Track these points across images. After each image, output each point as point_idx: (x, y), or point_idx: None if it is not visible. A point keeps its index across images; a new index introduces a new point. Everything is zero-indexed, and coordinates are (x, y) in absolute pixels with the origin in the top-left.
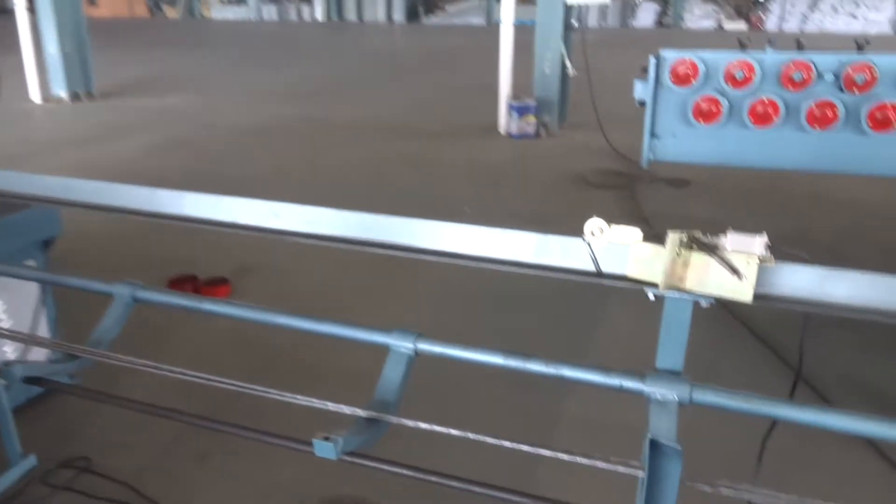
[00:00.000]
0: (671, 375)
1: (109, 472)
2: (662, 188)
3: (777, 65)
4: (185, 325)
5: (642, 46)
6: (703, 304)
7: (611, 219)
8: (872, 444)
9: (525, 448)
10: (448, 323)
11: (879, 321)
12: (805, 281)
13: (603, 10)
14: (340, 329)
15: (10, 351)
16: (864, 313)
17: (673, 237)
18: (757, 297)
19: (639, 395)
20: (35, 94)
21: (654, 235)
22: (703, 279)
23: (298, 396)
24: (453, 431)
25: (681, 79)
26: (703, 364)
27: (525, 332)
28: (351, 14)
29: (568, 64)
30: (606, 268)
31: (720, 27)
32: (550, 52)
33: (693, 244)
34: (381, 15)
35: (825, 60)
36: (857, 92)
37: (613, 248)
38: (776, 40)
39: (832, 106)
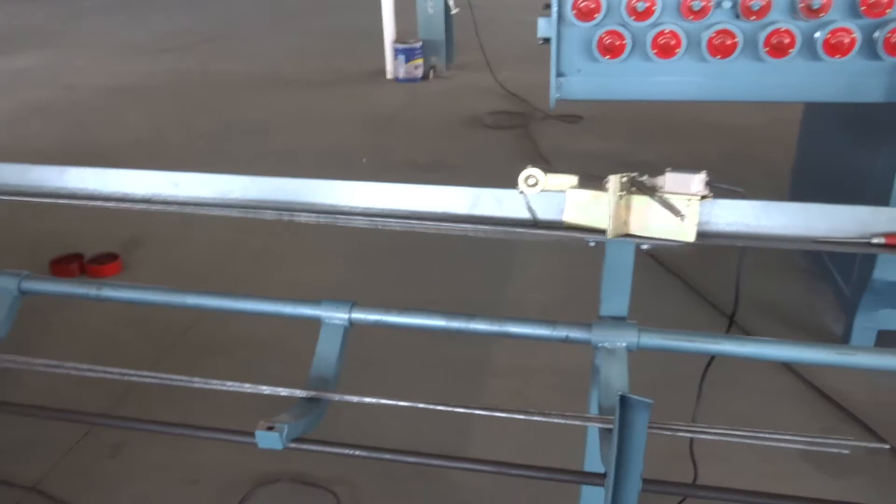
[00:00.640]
0: (617, 322)
1: (11, 479)
2: (556, 125)
3: None
4: (78, 307)
5: None
6: (645, 247)
7: (509, 159)
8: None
9: (500, 415)
10: (363, 281)
11: (816, 249)
12: (742, 215)
13: None
14: (265, 305)
15: None
16: (800, 242)
17: (614, 180)
18: (699, 235)
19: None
20: None
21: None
22: (645, 222)
23: (228, 383)
24: (401, 403)
25: (583, 13)
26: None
27: (446, 281)
28: None
29: (450, 2)
30: (543, 216)
31: None
32: None
33: (633, 187)
34: None
35: None
36: (753, 18)
37: (548, 196)
38: None
39: (731, 34)
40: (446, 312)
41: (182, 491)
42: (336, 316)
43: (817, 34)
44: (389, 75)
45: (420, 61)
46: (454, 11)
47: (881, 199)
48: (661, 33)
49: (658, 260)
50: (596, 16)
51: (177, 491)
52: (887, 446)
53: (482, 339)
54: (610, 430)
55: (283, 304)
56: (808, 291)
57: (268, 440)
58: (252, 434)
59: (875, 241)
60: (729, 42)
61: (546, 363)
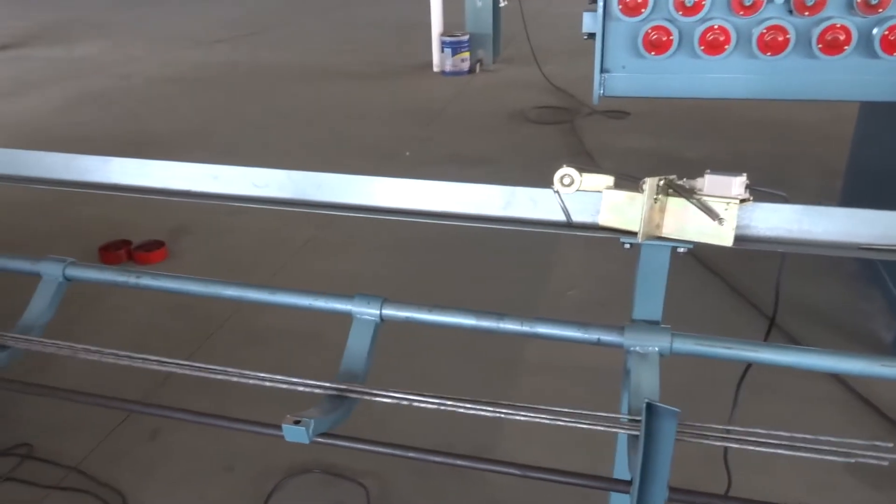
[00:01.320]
0: (650, 326)
1: (54, 458)
2: (602, 121)
3: None
4: (123, 293)
5: None
6: (681, 250)
7: (554, 155)
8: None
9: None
10: (400, 275)
11: (862, 256)
12: (784, 220)
13: None
14: (298, 298)
15: None
16: (843, 249)
17: (650, 183)
18: (737, 239)
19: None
20: None
21: (602, 170)
22: (682, 225)
23: (261, 375)
24: (428, 401)
25: (630, 8)
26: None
27: (481, 277)
28: None
29: None
30: (578, 217)
31: None
32: None
33: (669, 189)
34: None
35: None
36: (807, 14)
37: (584, 195)
38: None
39: (783, 30)
40: (476, 311)
41: (217, 477)
42: (367, 311)
43: (875, 30)
44: (436, 68)
45: (467, 54)
46: (503, 4)
47: None
48: (710, 29)
49: (699, 259)
50: (642, 11)
51: (212, 477)
52: None
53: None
54: (638, 436)
55: (316, 298)
56: (857, 296)
57: (295, 434)
58: (280, 427)
59: None
60: (781, 38)
61: (580, 361)
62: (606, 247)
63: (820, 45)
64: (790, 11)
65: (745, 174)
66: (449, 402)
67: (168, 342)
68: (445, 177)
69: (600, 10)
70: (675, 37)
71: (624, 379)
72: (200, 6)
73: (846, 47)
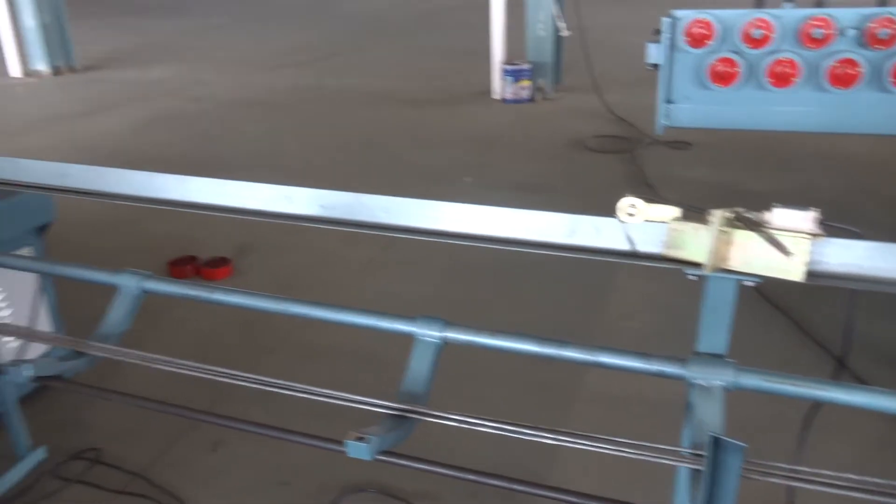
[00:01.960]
0: (715, 359)
1: (121, 463)
2: (664, 151)
3: (796, 21)
4: (185, 306)
5: (634, 3)
6: (749, 283)
7: (614, 184)
8: None
9: (585, 445)
10: (459, 297)
11: None
12: (856, 257)
13: None
14: (362, 318)
15: (11, 339)
16: None
17: (718, 215)
18: (807, 275)
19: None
20: (14, 69)
21: (663, 201)
22: (749, 258)
23: (327, 392)
24: (487, 424)
25: (696, 40)
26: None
27: (539, 302)
28: None
29: (561, 24)
30: (642, 247)
31: None
32: (543, 13)
33: (737, 221)
34: None
35: (846, 15)
36: (880, 47)
37: (649, 226)
38: None
39: (854, 63)
40: (538, 337)
41: (274, 491)
42: (429, 333)
43: None
44: (496, 95)
45: (527, 82)
46: (565, 34)
47: None
48: (778, 62)
49: (762, 293)
50: (708, 42)
51: (269, 490)
52: None
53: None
54: (700, 471)
55: (379, 318)
56: None
57: (358, 450)
58: (341, 442)
59: None
60: (852, 72)
61: (638, 393)
62: (663, 278)
63: (893, 79)
64: (862, 45)
65: (815, 209)
66: (508, 427)
67: (229, 356)
68: (504, 203)
69: (665, 42)
70: (741, 69)
71: (686, 412)
72: (270, 32)
73: None
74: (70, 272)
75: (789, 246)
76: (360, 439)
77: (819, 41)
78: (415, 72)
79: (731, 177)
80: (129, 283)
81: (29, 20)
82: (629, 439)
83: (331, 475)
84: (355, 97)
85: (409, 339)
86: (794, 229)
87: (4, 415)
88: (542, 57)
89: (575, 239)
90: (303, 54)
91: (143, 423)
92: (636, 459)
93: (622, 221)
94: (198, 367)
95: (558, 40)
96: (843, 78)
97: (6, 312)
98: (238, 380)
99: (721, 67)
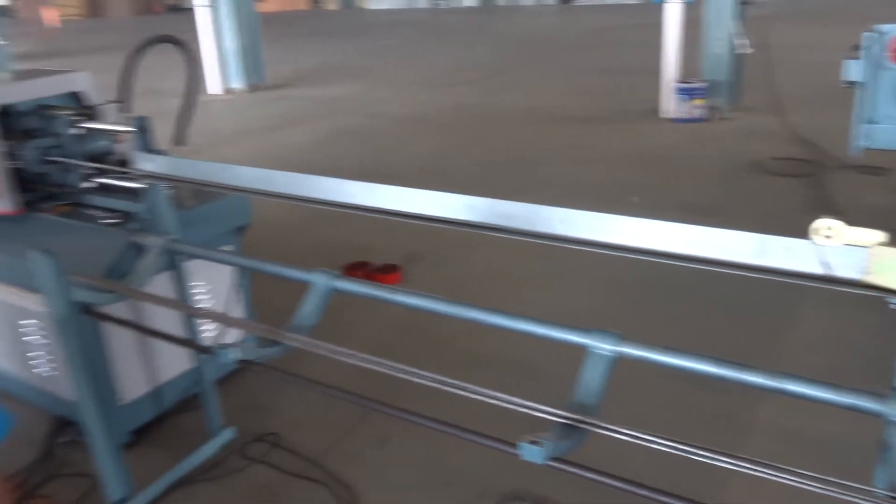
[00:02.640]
0: None
1: (298, 449)
2: (853, 176)
3: None
4: (356, 311)
5: (821, 20)
6: None
7: (795, 209)
8: None
9: (765, 474)
10: (623, 313)
11: None
12: None
13: None
14: (536, 327)
15: (211, 327)
16: None
17: None
18: None
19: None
20: (215, 87)
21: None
22: None
23: (499, 394)
24: (660, 442)
25: None
26: None
27: (709, 326)
28: None
29: (742, 41)
30: (840, 272)
31: None
32: (722, 30)
33: None
34: None
35: None
36: None
37: (847, 249)
38: None
39: None
40: (716, 358)
41: (437, 490)
42: (603, 347)
43: None
44: (666, 114)
45: (701, 101)
46: (747, 51)
47: None
48: None
49: None
50: None
51: (432, 489)
52: None
53: (743, 392)
54: None
55: (553, 328)
56: None
57: (531, 453)
58: (513, 444)
59: None
60: None
61: (818, 429)
62: (852, 311)
63: None
64: None
65: None
66: (682, 447)
67: (398, 358)
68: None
69: (867, 58)
70: None
71: (882, 452)
72: (441, 52)
73: None
74: (268, 269)
75: None
76: (534, 443)
77: None
78: (580, 90)
79: None
80: (321, 281)
81: (229, 43)
82: (816, 473)
83: (491, 481)
84: (520, 115)
85: (571, 351)
86: None
87: (203, 394)
88: (718, 75)
89: (764, 260)
90: (470, 73)
91: (318, 414)
92: (823, 496)
93: (817, 244)
94: (378, 362)
95: (737, 58)
96: None
97: (208, 302)
98: (413, 376)
99: None
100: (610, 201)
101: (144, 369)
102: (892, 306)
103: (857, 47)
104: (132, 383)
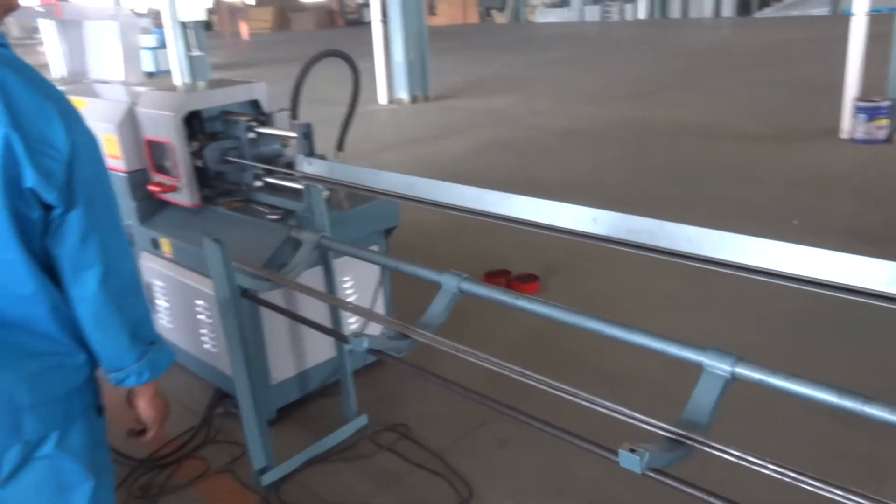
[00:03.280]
0: None
1: (423, 441)
2: None
3: None
4: (488, 316)
5: None
6: None
7: None
8: None
9: None
10: (762, 345)
11: None
12: None
13: None
14: (650, 340)
15: (353, 321)
16: None
17: None
18: None
19: None
20: (382, 97)
21: None
22: None
23: (610, 403)
24: (773, 469)
25: None
26: None
27: (859, 366)
28: (675, 11)
29: None
30: None
31: None
32: None
33: None
34: (707, 10)
35: None
36: None
37: None
38: None
39: None
40: (839, 387)
41: (549, 496)
42: (719, 366)
43: None
44: (844, 135)
45: (885, 122)
46: None
47: None
48: None
49: None
50: None
51: (545, 494)
52: None
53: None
54: None
55: (669, 344)
56: None
57: (629, 461)
58: (615, 452)
59: None
60: None
61: None
62: None
63: None
64: None
65: None
66: (794, 475)
67: (525, 366)
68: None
69: None
70: None
71: None
72: (607, 65)
73: None
74: (404, 268)
75: None
76: (632, 451)
77: None
78: (751, 106)
79: None
80: (450, 283)
81: (398, 56)
82: None
83: (603, 492)
84: (683, 130)
85: (691, 369)
86: None
87: (342, 382)
88: None
89: None
90: (635, 87)
91: (445, 411)
92: None
93: None
94: (500, 364)
95: None
96: None
97: (353, 297)
98: (532, 380)
99: None
100: (767, 223)
101: (293, 354)
102: None
103: None
104: (282, 365)
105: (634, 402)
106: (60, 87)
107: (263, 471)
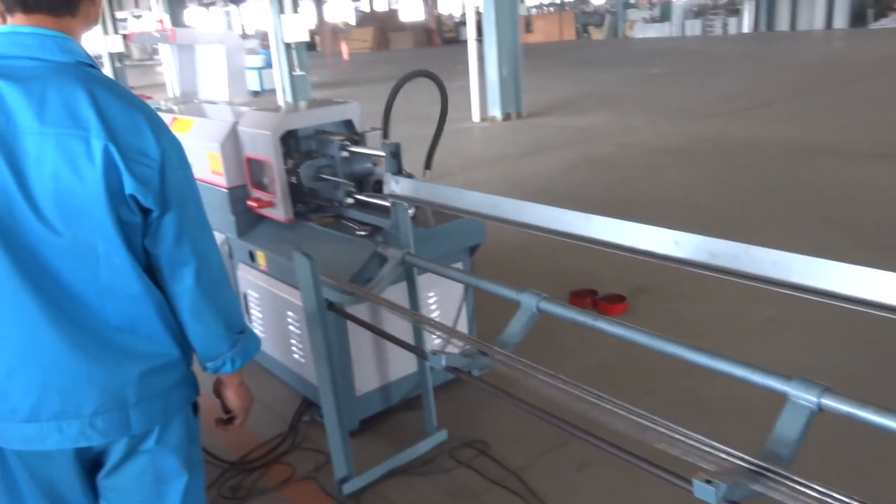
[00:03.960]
0: None
1: (501, 459)
2: None
3: None
4: (574, 338)
5: None
6: None
7: None
8: None
9: None
10: (858, 375)
11: None
12: None
13: None
14: (733, 367)
15: (437, 336)
16: None
17: None
18: None
19: None
20: (475, 115)
21: None
22: None
23: (685, 431)
24: None
25: None
26: None
27: None
28: (783, 23)
29: None
30: None
31: None
32: None
33: None
34: (818, 22)
35: None
36: None
37: None
38: None
39: None
40: None
41: None
42: (804, 397)
43: None
44: None
45: None
46: None
47: None
48: None
49: None
50: None
51: None
52: None
53: None
54: None
55: (753, 372)
56: None
57: (703, 492)
58: (690, 481)
59: None
60: None
61: None
62: None
63: None
64: None
65: None
66: None
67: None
68: None
69: None
70: None
71: None
72: (707, 81)
73: None
74: (485, 286)
75: None
76: (708, 482)
77: None
78: (863, 122)
79: None
80: (529, 302)
81: (493, 74)
82: None
83: None
84: (785, 148)
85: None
86: None
87: (424, 397)
88: None
89: None
90: (736, 103)
91: (522, 430)
92: None
93: None
94: (575, 386)
95: None
96: None
97: (436, 314)
98: (607, 403)
99: None
100: (874, 248)
101: (377, 367)
102: None
103: None
104: (366, 378)
105: (723, 428)
106: (173, 107)
107: (345, 480)
